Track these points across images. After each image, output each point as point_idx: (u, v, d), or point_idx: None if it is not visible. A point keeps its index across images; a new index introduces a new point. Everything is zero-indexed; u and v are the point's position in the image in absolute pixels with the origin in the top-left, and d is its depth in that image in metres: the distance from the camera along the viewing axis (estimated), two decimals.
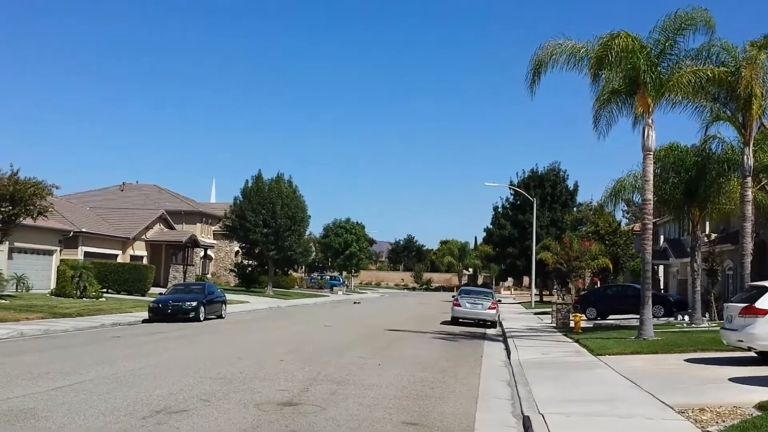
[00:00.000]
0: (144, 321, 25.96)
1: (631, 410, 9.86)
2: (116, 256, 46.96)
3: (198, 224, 60.96)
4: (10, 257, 34.46)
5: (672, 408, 9.87)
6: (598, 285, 43.27)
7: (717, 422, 8.83)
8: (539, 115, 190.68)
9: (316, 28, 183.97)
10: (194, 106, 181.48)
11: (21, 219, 28.82)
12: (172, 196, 63.13)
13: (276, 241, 53.53)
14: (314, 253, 77.39)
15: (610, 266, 43.58)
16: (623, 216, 70.21)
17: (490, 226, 69.46)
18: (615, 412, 9.80)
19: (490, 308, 29.50)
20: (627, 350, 17.21)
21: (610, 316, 32.91)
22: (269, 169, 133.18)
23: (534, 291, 54.17)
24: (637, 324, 20.76)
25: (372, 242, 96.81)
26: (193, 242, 54.95)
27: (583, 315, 28.46)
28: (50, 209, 30.92)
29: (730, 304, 15.07)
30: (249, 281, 58.84)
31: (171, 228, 54.97)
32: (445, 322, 30.54)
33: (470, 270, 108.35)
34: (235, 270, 61.46)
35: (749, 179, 21.84)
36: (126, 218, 50.51)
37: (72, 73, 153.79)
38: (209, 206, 70.24)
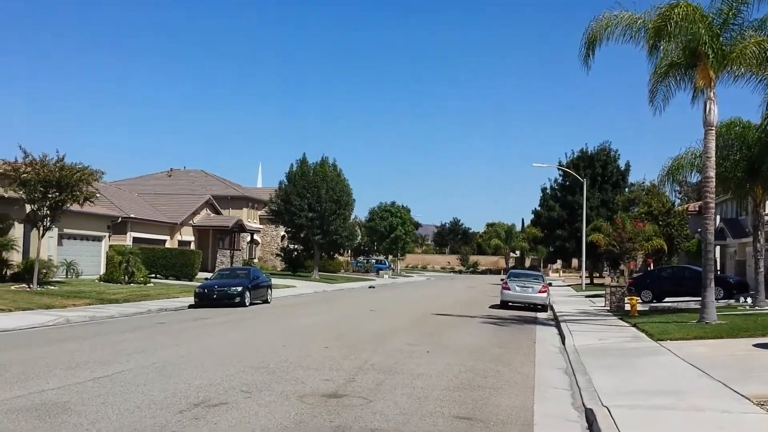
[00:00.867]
0: (190, 306, 25.85)
1: (703, 402, 9.04)
2: (164, 241, 47.32)
3: (244, 209, 61.14)
4: (60, 243, 34.70)
5: (750, 400, 9.03)
6: (652, 267, 41.88)
7: None
8: (589, 93, 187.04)
9: (363, 10, 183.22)
10: (242, 92, 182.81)
11: (68, 205, 28.76)
12: (219, 182, 63.39)
13: (321, 225, 53.11)
14: (360, 237, 77.00)
15: (665, 247, 42.10)
16: (675, 196, 68.04)
17: (538, 208, 68.02)
18: (686, 404, 8.99)
19: (540, 291, 28.63)
20: (690, 335, 16.30)
21: (666, 299, 31.77)
22: (314, 152, 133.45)
23: (584, 273, 52.92)
24: (696, 307, 19.85)
25: (417, 225, 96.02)
26: (240, 227, 55.12)
27: (638, 298, 27.39)
28: (97, 195, 30.89)
29: None
30: (295, 265, 58.87)
31: (218, 213, 55.22)
32: (493, 306, 29.81)
33: (517, 252, 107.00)
34: (282, 254, 61.56)
35: None
36: (174, 204, 50.89)
37: (123, 59, 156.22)
38: (255, 191, 70.42)
